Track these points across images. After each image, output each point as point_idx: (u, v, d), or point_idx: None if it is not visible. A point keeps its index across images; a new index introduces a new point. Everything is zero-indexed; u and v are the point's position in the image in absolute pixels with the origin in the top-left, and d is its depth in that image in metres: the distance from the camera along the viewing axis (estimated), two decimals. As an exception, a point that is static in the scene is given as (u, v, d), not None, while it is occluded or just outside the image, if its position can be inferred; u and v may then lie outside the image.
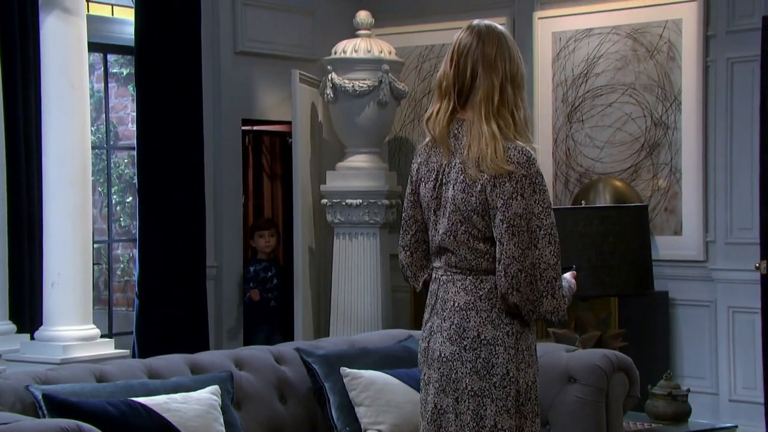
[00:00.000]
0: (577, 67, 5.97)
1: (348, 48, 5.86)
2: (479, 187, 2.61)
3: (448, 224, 2.67)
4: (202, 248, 5.55)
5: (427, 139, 2.77)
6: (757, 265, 4.99)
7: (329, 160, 6.14)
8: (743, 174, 5.37)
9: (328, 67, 5.86)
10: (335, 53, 5.89)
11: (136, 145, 5.39)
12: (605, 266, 4.22)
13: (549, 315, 2.62)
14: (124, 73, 6.91)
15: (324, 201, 5.95)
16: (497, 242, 2.61)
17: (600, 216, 4.31)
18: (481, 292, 2.65)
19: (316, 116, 6.15)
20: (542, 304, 2.60)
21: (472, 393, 2.62)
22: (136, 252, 5.40)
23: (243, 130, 6.24)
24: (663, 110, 5.71)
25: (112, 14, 5.67)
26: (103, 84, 6.03)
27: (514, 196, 2.58)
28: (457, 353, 2.63)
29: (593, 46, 5.90)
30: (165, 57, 5.33)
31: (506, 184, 2.58)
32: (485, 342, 2.62)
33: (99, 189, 6.67)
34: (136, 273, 5.37)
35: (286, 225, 6.54)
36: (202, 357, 3.69)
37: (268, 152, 6.79)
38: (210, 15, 5.83)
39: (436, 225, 2.72)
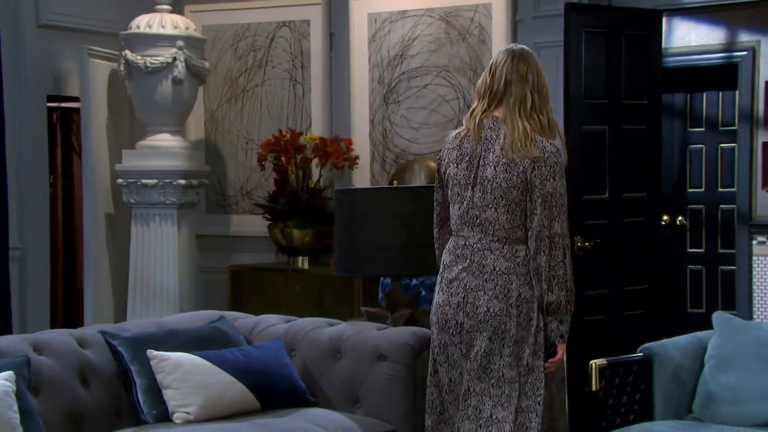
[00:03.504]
0: (393, 48, 6.03)
1: (142, 23, 5.71)
2: (522, 168, 3.30)
3: (489, 198, 3.35)
4: (5, 229, 5.31)
5: (458, 130, 3.48)
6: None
7: (134, 138, 5.97)
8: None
9: (122, 43, 5.70)
10: (131, 28, 5.73)
11: (-70, 122, 5.08)
12: (416, 245, 4.25)
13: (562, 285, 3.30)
14: None
15: (120, 180, 5.80)
16: (530, 214, 3.31)
17: (411, 196, 4.34)
18: (518, 260, 3.33)
19: (118, 93, 5.94)
20: (558, 271, 3.29)
21: (515, 340, 3.31)
22: (-69, 234, 5.12)
23: (49, 107, 5.98)
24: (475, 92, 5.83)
25: None
26: None
27: (548, 177, 3.29)
28: (505, 310, 3.31)
29: (408, 28, 5.97)
30: (-39, 28, 5.04)
31: (543, 168, 3.29)
32: (525, 300, 3.31)
33: None
34: (-69, 256, 5.08)
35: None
36: (-4, 342, 3.53)
37: (78, 130, 6.53)
38: (9, -15, 5.55)
39: (472, 199, 3.38)
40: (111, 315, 5.79)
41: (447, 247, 3.48)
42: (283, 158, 5.97)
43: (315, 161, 6.02)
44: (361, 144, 6.10)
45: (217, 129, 6.50)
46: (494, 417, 3.30)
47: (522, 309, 3.31)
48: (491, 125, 3.39)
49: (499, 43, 5.72)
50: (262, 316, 4.27)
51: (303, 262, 6.02)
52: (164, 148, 5.79)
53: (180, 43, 5.67)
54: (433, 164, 5.88)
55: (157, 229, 5.74)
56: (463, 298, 3.37)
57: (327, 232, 5.79)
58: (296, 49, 6.28)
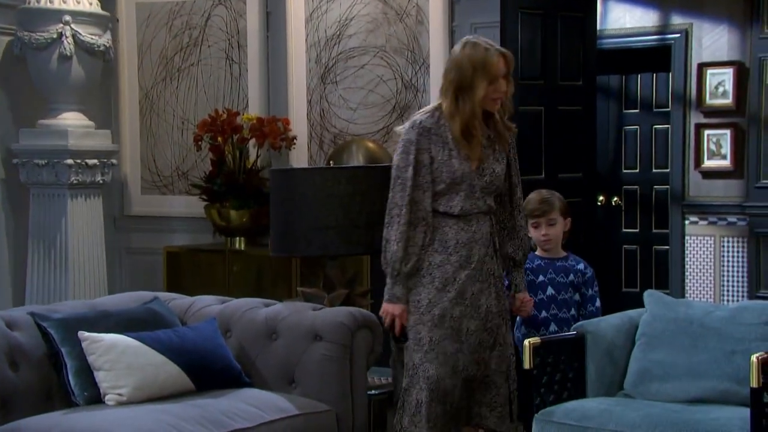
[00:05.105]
0: (330, 28, 5.99)
1: None
2: None
3: None
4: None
5: None
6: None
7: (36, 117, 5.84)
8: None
9: (15, 18, 5.60)
10: (25, 3, 5.62)
11: None
12: (353, 225, 4.25)
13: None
14: None
15: (15, 161, 5.70)
16: None
17: (348, 176, 4.32)
18: None
19: (22, 69, 5.81)
20: (384, 236, 3.63)
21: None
22: None
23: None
24: (413, 73, 5.84)
25: None
26: None
27: (394, 152, 3.64)
28: None
29: (345, 7, 5.94)
30: None
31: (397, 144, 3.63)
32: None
33: None
34: None
35: None
36: None
37: None
38: None
39: None
40: (9, 297, 5.68)
41: None
42: (219, 138, 5.92)
43: (252, 141, 5.97)
44: (299, 124, 6.07)
45: (152, 108, 6.41)
46: None
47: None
48: None
49: (436, 23, 5.72)
50: (197, 297, 4.24)
51: (240, 243, 5.99)
52: (56, 127, 5.68)
53: (67, 18, 5.54)
54: (371, 145, 5.87)
55: (52, 210, 5.65)
56: None
57: (264, 213, 5.74)
58: (232, 28, 6.21)
